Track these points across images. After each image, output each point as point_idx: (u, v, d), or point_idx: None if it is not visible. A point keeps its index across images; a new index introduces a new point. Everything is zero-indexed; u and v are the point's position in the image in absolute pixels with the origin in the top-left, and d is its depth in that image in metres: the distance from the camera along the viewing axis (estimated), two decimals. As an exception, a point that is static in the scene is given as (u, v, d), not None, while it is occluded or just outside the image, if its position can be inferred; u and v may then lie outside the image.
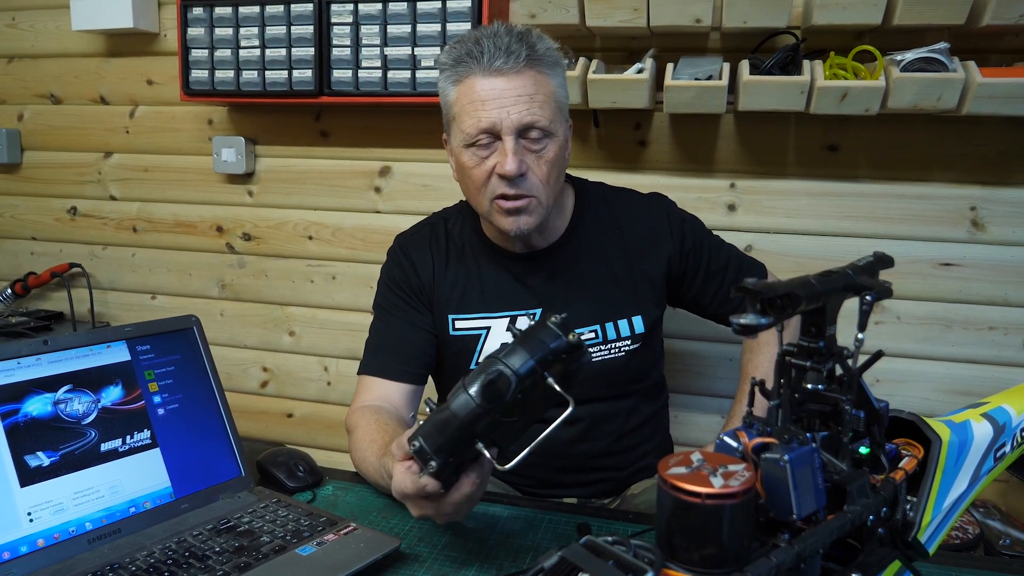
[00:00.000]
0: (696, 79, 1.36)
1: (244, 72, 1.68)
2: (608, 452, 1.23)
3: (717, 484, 0.47)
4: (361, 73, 1.61)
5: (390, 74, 1.60)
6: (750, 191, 1.63)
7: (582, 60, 1.45)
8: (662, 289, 1.23)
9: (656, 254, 1.21)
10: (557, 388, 0.71)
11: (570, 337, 0.72)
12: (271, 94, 1.69)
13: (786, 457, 0.50)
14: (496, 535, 0.97)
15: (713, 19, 1.37)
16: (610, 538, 0.48)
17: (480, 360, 0.86)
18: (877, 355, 0.59)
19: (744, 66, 1.37)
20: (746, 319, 0.48)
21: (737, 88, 1.38)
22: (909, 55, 1.28)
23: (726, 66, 1.40)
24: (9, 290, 1.98)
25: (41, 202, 2.11)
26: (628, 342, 1.19)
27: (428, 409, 0.79)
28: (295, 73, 1.65)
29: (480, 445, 0.73)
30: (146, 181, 2.01)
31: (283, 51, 1.65)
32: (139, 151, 2.00)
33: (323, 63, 1.63)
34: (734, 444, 0.54)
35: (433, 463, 0.74)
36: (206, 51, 1.71)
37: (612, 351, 1.19)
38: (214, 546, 0.89)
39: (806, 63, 1.35)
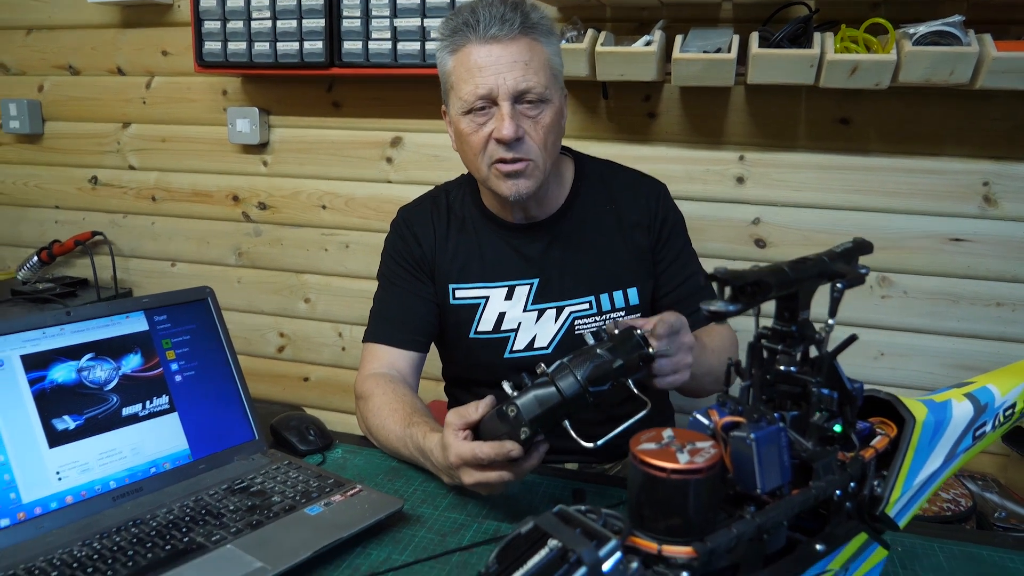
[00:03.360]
0: (705, 52, 1.36)
1: (256, 44, 1.70)
2: (608, 420, 1.27)
3: (683, 460, 0.50)
4: (371, 45, 1.62)
5: (400, 45, 1.61)
6: (759, 164, 1.63)
7: (591, 31, 1.46)
8: (652, 261, 1.24)
9: (643, 228, 1.23)
10: (636, 391, 0.84)
11: (650, 350, 0.84)
12: (283, 65, 1.71)
13: (752, 436, 0.53)
14: (495, 498, 1.01)
15: (724, -11, 1.36)
16: (583, 507, 0.52)
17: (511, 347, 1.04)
18: (851, 339, 0.61)
19: (754, 39, 1.36)
20: (715, 306, 0.51)
21: (747, 61, 1.38)
22: (922, 28, 1.26)
23: (736, 38, 1.39)
24: (35, 258, 2.05)
25: (63, 172, 2.16)
26: (623, 313, 1.22)
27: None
28: (306, 45, 1.66)
29: (567, 424, 0.83)
30: (163, 151, 2.05)
31: (294, 23, 1.66)
32: (156, 121, 2.04)
33: (334, 35, 1.64)
34: (706, 422, 0.57)
35: (527, 430, 0.82)
36: (219, 23, 1.73)
37: (607, 322, 1.21)
38: (228, 505, 0.94)
39: (817, 35, 1.34)
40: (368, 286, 1.96)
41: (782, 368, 0.58)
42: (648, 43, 1.39)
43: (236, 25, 1.72)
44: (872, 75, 1.29)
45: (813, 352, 0.60)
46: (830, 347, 0.60)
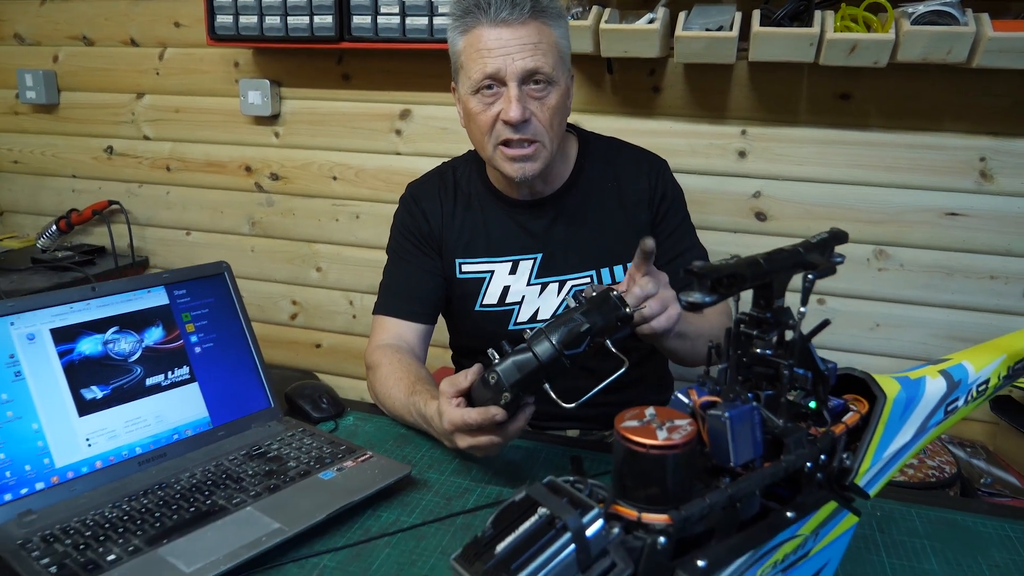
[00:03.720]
0: (707, 29, 1.38)
1: (267, 17, 1.73)
2: (608, 388, 1.32)
3: (662, 437, 0.55)
4: (380, 19, 1.65)
5: (408, 20, 1.64)
6: (761, 138, 1.65)
7: (595, 9, 1.48)
8: (652, 235, 1.28)
9: (643, 204, 1.27)
10: (614, 350, 0.88)
11: (627, 310, 0.87)
12: (293, 39, 1.74)
13: (727, 414, 0.58)
14: (498, 464, 1.07)
15: (727, -33, 1.38)
16: (571, 478, 0.57)
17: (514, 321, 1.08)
18: (823, 324, 0.65)
19: (756, 16, 1.38)
20: (693, 297, 0.55)
21: (749, 38, 1.39)
22: (921, 7, 1.28)
23: (738, 16, 1.41)
24: (54, 227, 2.10)
25: (79, 141, 2.21)
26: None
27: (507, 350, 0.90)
28: (316, 19, 1.69)
29: (547, 386, 0.87)
30: (177, 122, 2.09)
31: (305, -3, 1.69)
32: (169, 92, 2.08)
33: (343, 9, 1.67)
34: (685, 401, 0.62)
35: (507, 395, 0.87)
36: (231, -3, 1.76)
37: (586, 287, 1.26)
38: (247, 469, 1.01)
39: (818, 14, 1.36)
40: (378, 256, 2.01)
41: (758, 351, 0.63)
42: (651, 20, 1.41)
43: (247, -1, 1.75)
44: (871, 54, 1.31)
45: (790, 335, 0.65)
46: (806, 331, 0.65)
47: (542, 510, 0.53)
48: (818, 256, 0.63)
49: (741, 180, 1.68)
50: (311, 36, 1.71)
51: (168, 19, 2.01)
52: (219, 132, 2.06)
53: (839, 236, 0.67)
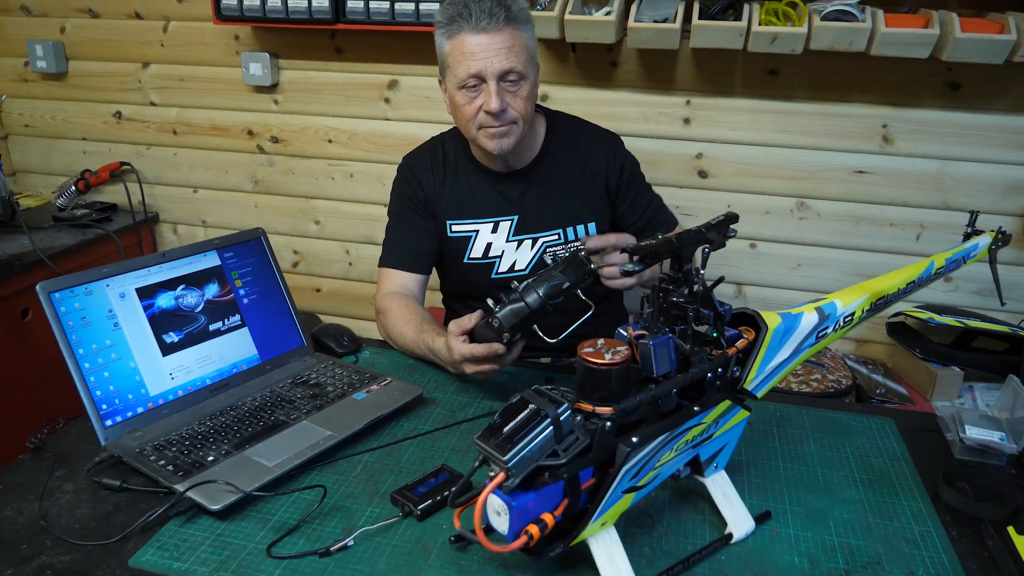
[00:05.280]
0: (654, 20, 1.64)
1: (269, 0, 1.92)
2: (570, 315, 1.63)
3: (608, 358, 0.85)
4: (372, 4, 1.86)
5: (397, 5, 1.85)
6: (703, 107, 1.93)
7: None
8: (609, 203, 1.57)
9: (602, 175, 1.55)
10: (583, 297, 1.15)
11: (592, 266, 1.15)
12: (293, 20, 1.94)
13: (651, 342, 0.88)
14: (490, 384, 1.37)
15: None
16: (549, 386, 0.87)
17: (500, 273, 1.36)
18: (719, 280, 0.95)
19: (695, 9, 1.63)
20: (628, 267, 0.84)
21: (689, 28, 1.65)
22: (828, 6, 1.55)
23: (681, 7, 1.66)
24: (73, 187, 2.31)
25: (89, 107, 2.39)
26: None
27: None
28: (314, 2, 1.89)
29: (536, 328, 1.15)
30: (182, 89, 2.29)
31: (304, -19, 1.89)
32: (174, 62, 2.26)
33: (339, -7, 1.88)
34: (624, 334, 0.91)
35: (507, 335, 1.16)
36: (235, -21, 1.94)
37: (572, 248, 1.55)
38: (296, 394, 1.29)
39: (746, 8, 1.62)
40: (371, 210, 2.28)
41: (673, 299, 0.92)
42: (608, 12, 1.66)
43: (250, -19, 1.94)
44: (788, 43, 1.58)
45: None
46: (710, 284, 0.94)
47: (532, 406, 0.82)
48: (715, 234, 0.92)
49: (686, 143, 1.96)
50: (309, 17, 1.92)
51: (170, -5, 2.19)
52: (222, 99, 2.26)
53: (732, 217, 0.96)
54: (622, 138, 1.58)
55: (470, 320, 1.23)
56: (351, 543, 0.95)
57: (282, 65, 2.17)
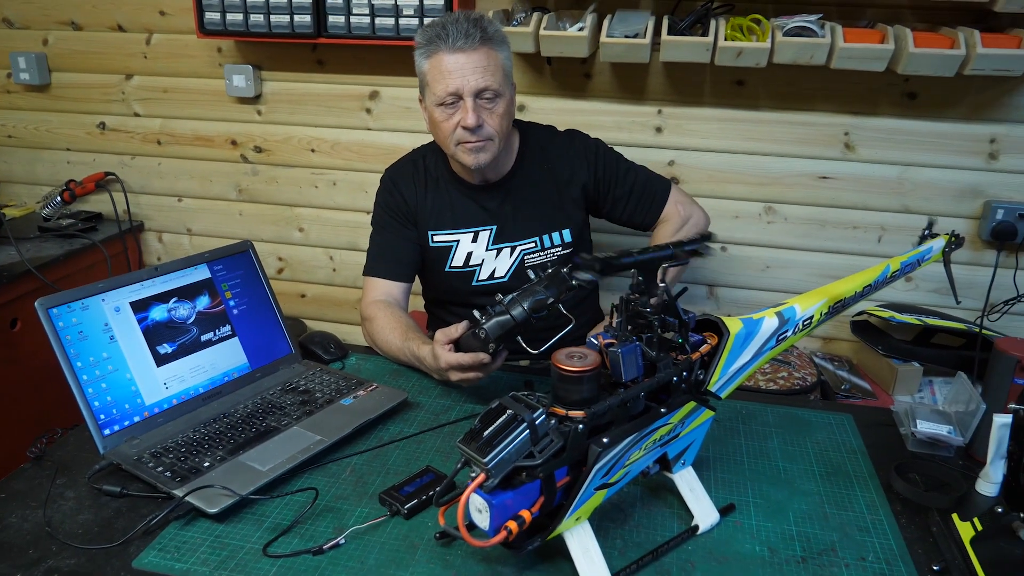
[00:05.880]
0: (626, 36, 1.70)
1: (252, 15, 1.97)
2: (551, 327, 1.70)
3: (579, 364, 0.92)
4: (353, 19, 1.92)
5: (377, 20, 1.91)
6: (674, 117, 2.00)
7: (536, 14, 1.78)
8: (583, 208, 1.64)
9: (575, 180, 1.62)
10: (564, 311, 1.18)
11: (573, 282, 1.19)
12: (275, 35, 1.99)
13: (619, 350, 0.95)
14: (471, 389, 1.43)
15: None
16: (526, 392, 0.94)
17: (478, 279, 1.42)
18: (683, 291, 1.02)
19: (664, 25, 1.71)
20: (584, 277, 0.92)
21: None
22: (790, 23, 1.63)
23: (651, 23, 1.73)
24: (59, 197, 2.33)
25: (72, 118, 2.42)
26: (560, 248, 1.62)
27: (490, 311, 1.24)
28: (296, 17, 1.94)
29: (519, 339, 1.21)
30: (166, 100, 2.33)
31: (285, -3, 1.94)
32: (157, 74, 2.30)
33: (320, 9, 1.93)
34: (595, 342, 0.98)
35: (492, 345, 1.22)
36: (217, -5, 1.99)
37: (549, 256, 1.62)
38: (286, 400, 1.35)
39: (713, 22, 1.69)
40: (353, 217, 2.33)
41: (640, 309, 0.99)
42: (581, 28, 1.72)
43: (233, -1, 1.98)
44: (753, 57, 1.66)
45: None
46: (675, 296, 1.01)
47: (509, 411, 0.89)
48: (680, 251, 0.99)
49: (658, 151, 2.03)
50: (292, 32, 1.97)
51: (153, 8, 2.22)
52: (205, 110, 2.30)
53: (707, 236, 1.03)
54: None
55: (456, 330, 1.30)
56: (342, 541, 1.02)
57: (265, 77, 2.22)
